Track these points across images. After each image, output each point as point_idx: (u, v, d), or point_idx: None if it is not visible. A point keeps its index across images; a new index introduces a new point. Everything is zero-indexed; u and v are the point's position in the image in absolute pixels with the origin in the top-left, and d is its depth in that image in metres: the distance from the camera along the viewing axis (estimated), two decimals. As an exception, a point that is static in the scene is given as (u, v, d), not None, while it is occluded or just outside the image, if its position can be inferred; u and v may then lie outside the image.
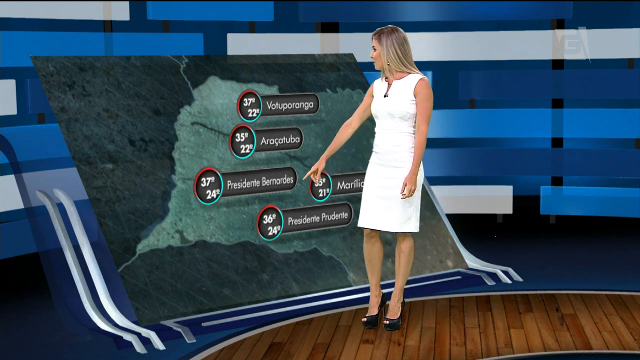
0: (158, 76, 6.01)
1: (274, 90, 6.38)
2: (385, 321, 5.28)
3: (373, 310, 5.35)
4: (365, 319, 5.33)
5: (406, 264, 5.26)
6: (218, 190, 5.87)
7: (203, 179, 5.83)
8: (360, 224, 5.27)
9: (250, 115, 6.16)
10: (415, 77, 5.11)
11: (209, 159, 5.95)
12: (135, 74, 5.94)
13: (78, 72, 5.74)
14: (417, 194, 5.16)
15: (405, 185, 5.07)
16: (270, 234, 6.01)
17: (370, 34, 5.22)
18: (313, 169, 5.27)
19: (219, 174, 5.89)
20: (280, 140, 6.23)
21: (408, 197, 5.07)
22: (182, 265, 5.60)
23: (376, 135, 5.22)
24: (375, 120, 5.21)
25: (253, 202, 6.02)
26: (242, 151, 6.07)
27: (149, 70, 6.00)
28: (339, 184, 6.38)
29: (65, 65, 5.73)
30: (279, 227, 6.06)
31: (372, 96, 5.24)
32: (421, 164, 5.14)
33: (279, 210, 6.08)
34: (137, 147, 5.74)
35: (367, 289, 5.99)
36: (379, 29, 5.15)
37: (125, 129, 5.74)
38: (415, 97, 5.09)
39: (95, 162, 5.55)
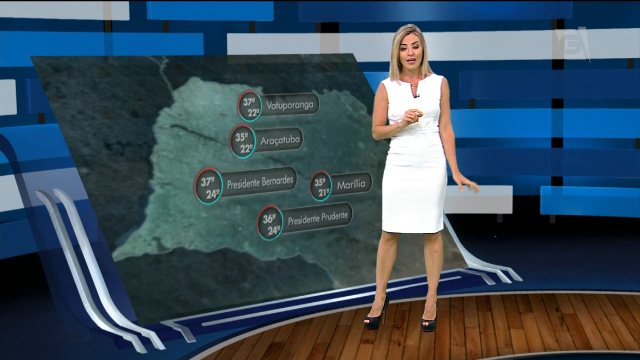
0: (136, 77, 5.81)
1: (257, 92, 6.23)
2: (424, 322, 5.25)
3: (376, 313, 5.33)
4: (367, 321, 5.31)
5: (440, 263, 5.27)
6: (218, 190, 5.86)
7: (203, 179, 5.82)
8: (389, 228, 5.18)
9: (250, 115, 6.15)
10: (437, 77, 5.15)
11: (189, 163, 5.77)
12: (112, 74, 5.75)
13: (52, 73, 5.58)
14: (445, 192, 5.19)
15: (465, 183, 5.11)
16: (270, 233, 6.01)
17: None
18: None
19: (219, 174, 5.89)
20: (280, 140, 6.22)
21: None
22: (159, 274, 5.42)
23: (401, 138, 5.11)
24: (400, 122, 5.09)
25: (253, 202, 6.01)
26: (242, 151, 6.06)
27: (127, 71, 5.82)
28: (339, 184, 6.37)
29: (39, 66, 5.55)
30: (278, 227, 6.05)
31: (387, 99, 5.13)
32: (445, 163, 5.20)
33: (279, 210, 6.07)
34: (113, 151, 5.55)
35: (363, 289, 6.00)
36: (411, 25, 5.08)
37: (100, 132, 5.56)
38: (441, 97, 5.11)
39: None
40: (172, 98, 5.89)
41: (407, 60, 5.05)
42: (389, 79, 5.15)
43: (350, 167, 6.46)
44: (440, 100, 5.12)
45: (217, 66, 6.17)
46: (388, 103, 5.12)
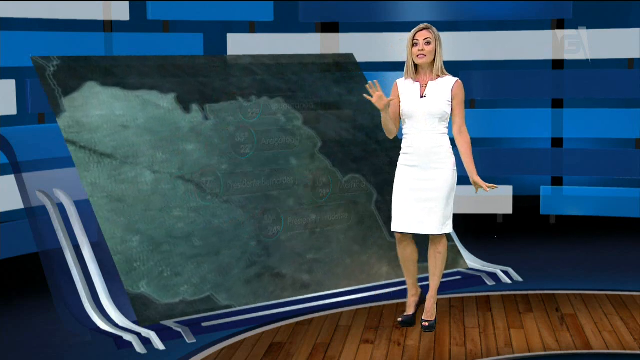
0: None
1: (169, 99, 5.50)
2: (424, 322, 5.25)
3: (410, 310, 5.36)
4: (400, 319, 5.31)
5: (442, 264, 5.27)
6: (218, 190, 5.86)
7: (203, 179, 5.82)
8: (396, 228, 5.19)
9: (250, 115, 6.15)
10: (451, 78, 5.12)
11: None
12: None
13: None
14: (453, 194, 5.18)
15: (481, 185, 5.10)
16: (270, 233, 6.01)
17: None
18: (380, 94, 4.95)
19: (219, 174, 5.88)
20: (281, 140, 6.22)
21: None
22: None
23: (407, 137, 5.14)
24: (407, 121, 5.11)
25: (253, 202, 6.00)
26: (242, 151, 6.06)
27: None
28: (339, 184, 6.37)
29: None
30: (278, 227, 6.05)
31: (399, 97, 5.13)
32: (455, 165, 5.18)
33: (279, 210, 6.07)
34: None
35: (364, 289, 6.00)
36: (426, 24, 5.06)
37: None
38: (452, 99, 5.09)
39: None
40: (61, 107, 5.09)
41: (417, 56, 5.05)
42: (403, 77, 5.17)
43: (279, 187, 5.98)
44: (450, 103, 5.11)
45: (119, 69, 5.36)
46: (400, 101, 5.13)
